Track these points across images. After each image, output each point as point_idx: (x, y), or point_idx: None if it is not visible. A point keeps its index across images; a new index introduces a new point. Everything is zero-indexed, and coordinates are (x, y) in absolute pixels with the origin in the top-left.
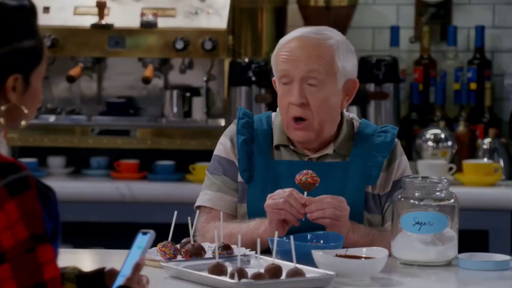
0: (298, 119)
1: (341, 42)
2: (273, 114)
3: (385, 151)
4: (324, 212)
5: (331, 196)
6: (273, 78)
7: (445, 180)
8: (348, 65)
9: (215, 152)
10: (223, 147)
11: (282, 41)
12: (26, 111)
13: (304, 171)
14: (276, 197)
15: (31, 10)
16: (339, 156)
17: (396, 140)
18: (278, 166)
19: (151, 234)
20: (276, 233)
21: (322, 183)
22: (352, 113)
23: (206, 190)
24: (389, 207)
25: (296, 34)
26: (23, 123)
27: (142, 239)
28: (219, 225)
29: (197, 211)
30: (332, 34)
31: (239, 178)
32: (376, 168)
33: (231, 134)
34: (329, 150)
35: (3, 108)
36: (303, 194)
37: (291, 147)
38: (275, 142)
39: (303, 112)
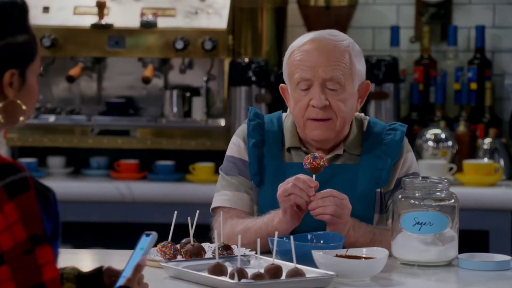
0: (318, 119)
1: (353, 43)
2: (284, 114)
3: (395, 152)
4: (325, 209)
5: (335, 192)
6: (282, 85)
7: (446, 180)
8: (361, 67)
9: (228, 153)
10: (236, 147)
11: (294, 45)
12: (24, 107)
13: (310, 155)
14: (285, 184)
15: (23, 7)
16: (349, 156)
17: (405, 137)
18: (289, 169)
19: (153, 236)
20: (276, 233)
21: (332, 186)
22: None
23: (223, 191)
24: (391, 205)
25: (309, 37)
26: (21, 119)
27: (145, 241)
28: (235, 222)
29: (214, 213)
30: (343, 35)
31: None
32: (386, 171)
33: (244, 134)
34: (340, 150)
35: (0, 104)
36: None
37: (303, 148)
38: (287, 145)
39: (324, 113)
